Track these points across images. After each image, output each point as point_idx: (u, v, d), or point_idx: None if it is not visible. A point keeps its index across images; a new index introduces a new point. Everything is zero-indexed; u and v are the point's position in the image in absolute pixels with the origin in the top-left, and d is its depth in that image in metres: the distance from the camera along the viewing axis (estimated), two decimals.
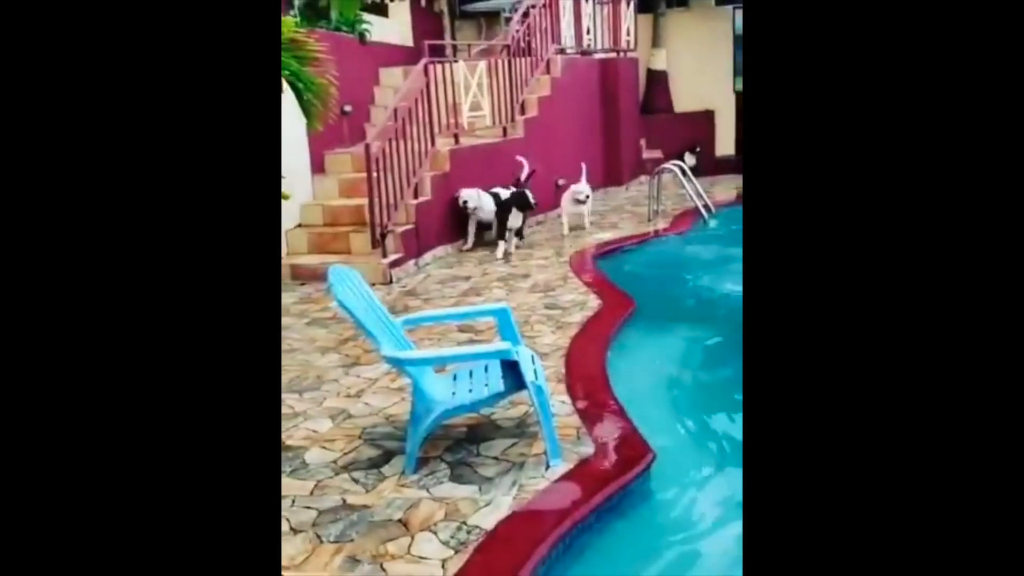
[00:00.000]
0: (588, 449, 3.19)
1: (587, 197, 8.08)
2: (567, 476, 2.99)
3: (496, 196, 7.35)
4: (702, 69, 12.24)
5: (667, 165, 8.87)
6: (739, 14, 12.18)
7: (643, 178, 10.57)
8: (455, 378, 3.47)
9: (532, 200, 7.22)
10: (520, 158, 7.82)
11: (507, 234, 7.15)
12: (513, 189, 7.42)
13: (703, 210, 8.61)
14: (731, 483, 3.11)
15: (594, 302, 5.43)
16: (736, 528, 2.82)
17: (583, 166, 8.39)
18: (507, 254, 7.04)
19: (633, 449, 3.19)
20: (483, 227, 7.56)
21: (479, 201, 7.28)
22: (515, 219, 7.16)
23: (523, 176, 7.69)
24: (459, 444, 3.32)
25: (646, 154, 11.37)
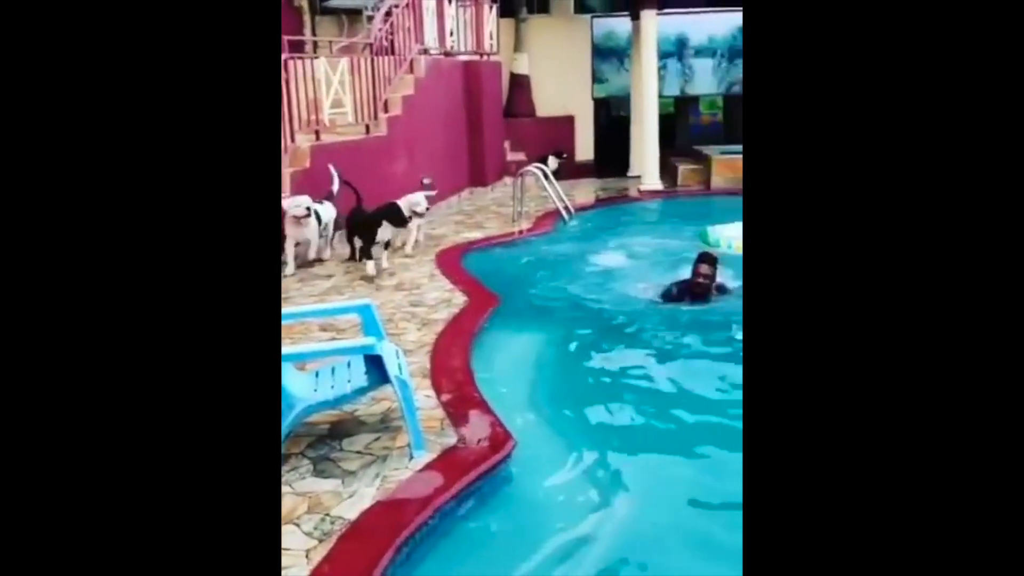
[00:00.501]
0: (451, 439, 3.28)
1: (425, 210, 6.88)
2: (430, 466, 3.06)
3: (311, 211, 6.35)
4: (563, 75, 12.67)
5: (530, 168, 9.13)
6: (597, 23, 12.71)
7: (507, 180, 10.80)
8: (317, 375, 3.45)
9: (406, 213, 6.64)
10: (331, 166, 6.99)
11: (377, 249, 6.52)
12: (326, 202, 6.76)
13: (564, 212, 8.94)
14: (586, 464, 3.34)
15: (460, 299, 5.53)
16: (590, 502, 3.01)
17: (424, 179, 7.83)
18: (380, 271, 6.40)
19: (495, 437, 3.31)
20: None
21: (312, 212, 6.30)
22: (385, 232, 6.51)
23: (334, 187, 6.92)
24: (321, 440, 3.30)
25: (510, 156, 11.62)
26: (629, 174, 12.16)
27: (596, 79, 12.90)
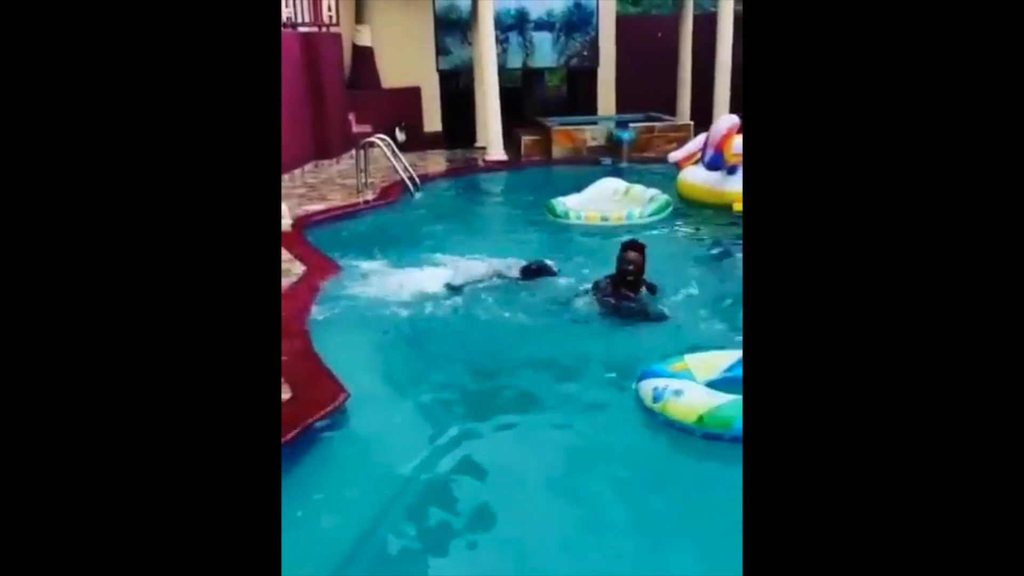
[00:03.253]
0: (286, 395, 3.44)
1: None
2: None
3: None
4: (407, 47, 12.69)
5: (373, 139, 9.18)
6: None
7: (354, 152, 10.79)
8: None
9: None
10: None
11: None
12: None
13: (409, 183, 9.09)
14: (416, 417, 3.60)
15: (299, 268, 5.60)
16: (420, 449, 3.27)
17: None
18: None
19: (328, 391, 3.50)
20: None
21: None
22: None
23: None
24: None
25: (356, 128, 11.58)
26: (476, 145, 12.46)
27: (440, 51, 13.04)
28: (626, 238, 5.15)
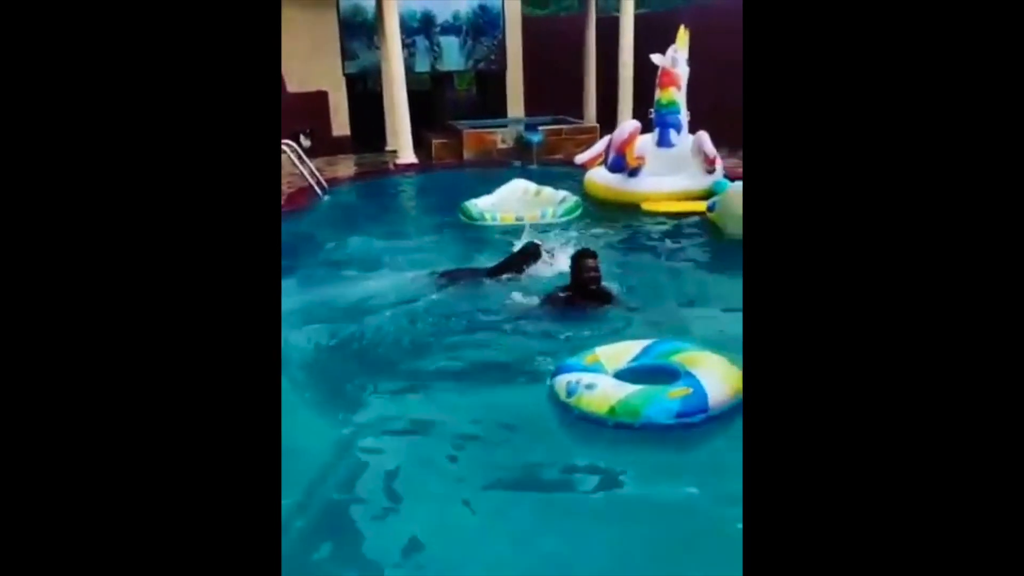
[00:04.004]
0: None
1: None
2: None
3: None
4: (312, 51, 12.44)
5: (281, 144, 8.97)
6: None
7: None
8: None
9: None
10: None
11: None
12: None
13: (318, 188, 8.93)
14: (322, 415, 3.56)
15: None
16: (323, 447, 3.21)
17: None
18: None
19: None
20: None
21: None
22: None
23: None
24: None
25: None
26: (387, 149, 12.34)
27: (347, 55, 12.86)
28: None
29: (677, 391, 3.19)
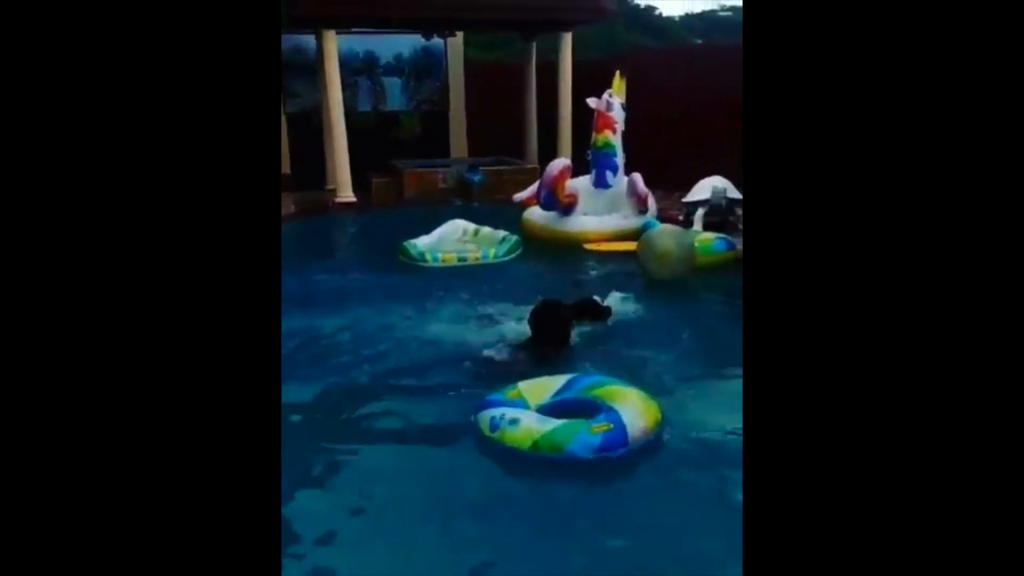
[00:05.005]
0: None
1: None
2: None
3: None
4: None
5: None
6: (283, 38, 12.65)
7: None
8: None
9: None
10: None
11: None
12: None
13: None
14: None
15: None
16: None
17: None
18: None
19: None
20: None
21: None
22: None
23: None
24: None
25: None
26: (327, 187, 12.28)
27: (288, 94, 12.84)
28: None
29: (599, 426, 3.23)
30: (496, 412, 3.43)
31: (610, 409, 3.34)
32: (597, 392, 3.55)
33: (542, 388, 3.67)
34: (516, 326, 4.94)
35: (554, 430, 3.23)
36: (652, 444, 3.24)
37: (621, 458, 3.18)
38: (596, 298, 5.11)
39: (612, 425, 3.21)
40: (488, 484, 3.21)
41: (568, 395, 3.60)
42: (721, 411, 3.56)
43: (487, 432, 3.39)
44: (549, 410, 3.48)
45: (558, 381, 3.71)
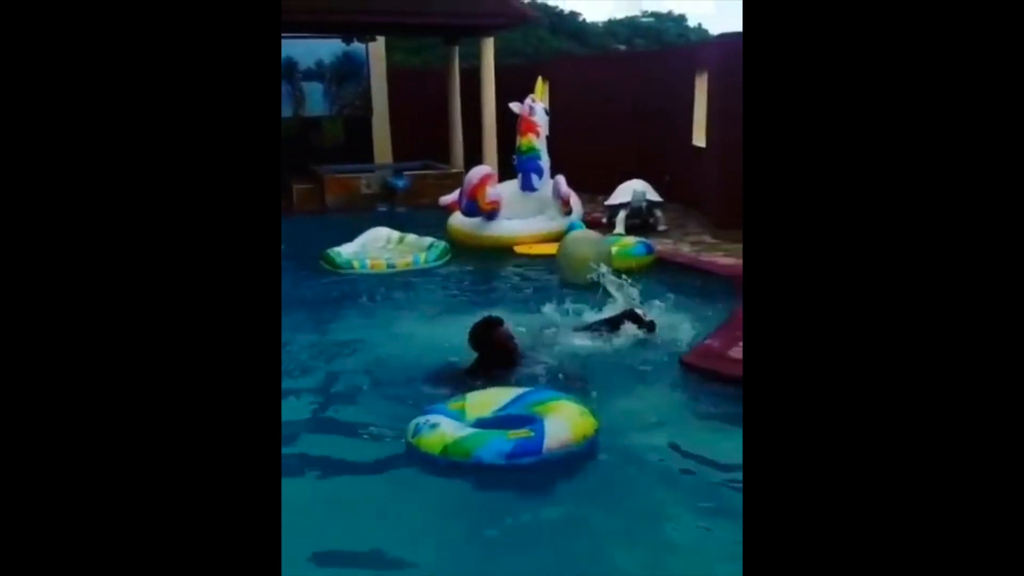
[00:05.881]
0: None
1: None
2: None
3: None
4: None
5: None
6: None
7: None
8: None
9: None
10: None
11: None
12: None
13: None
14: None
15: None
16: None
17: None
18: None
19: None
20: None
21: None
22: None
23: None
24: None
25: None
26: None
27: None
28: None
29: (517, 432, 3.21)
30: (422, 419, 3.39)
31: (539, 420, 3.30)
32: (539, 408, 3.46)
33: (488, 401, 3.62)
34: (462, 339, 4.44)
35: (464, 436, 3.22)
36: (578, 455, 3.22)
37: (533, 467, 3.12)
38: (639, 311, 4.88)
39: (532, 433, 3.19)
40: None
41: (512, 410, 3.54)
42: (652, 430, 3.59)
43: (408, 437, 3.36)
44: (489, 423, 3.42)
45: (508, 394, 3.65)
